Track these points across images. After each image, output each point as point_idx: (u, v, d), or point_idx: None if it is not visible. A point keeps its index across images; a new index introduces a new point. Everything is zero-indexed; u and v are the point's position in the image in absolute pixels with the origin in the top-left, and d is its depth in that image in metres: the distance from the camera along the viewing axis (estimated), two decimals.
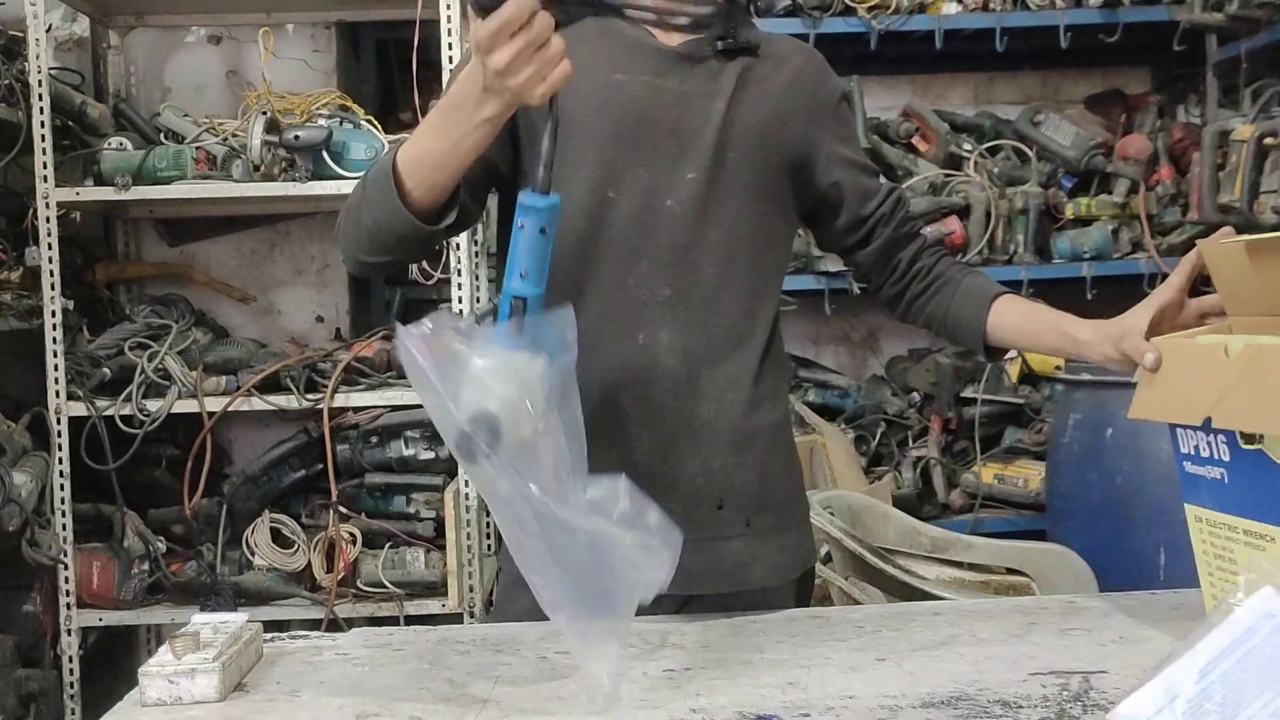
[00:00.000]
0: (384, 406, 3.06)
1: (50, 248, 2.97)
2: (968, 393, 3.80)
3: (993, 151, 3.95)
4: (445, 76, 2.91)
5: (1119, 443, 2.98)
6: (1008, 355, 3.45)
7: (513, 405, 1.07)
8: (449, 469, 3.08)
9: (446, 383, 1.08)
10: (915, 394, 3.90)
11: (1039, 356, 3.67)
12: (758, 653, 1.30)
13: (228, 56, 3.59)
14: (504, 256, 1.56)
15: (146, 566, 3.06)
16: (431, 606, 2.99)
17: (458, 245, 2.95)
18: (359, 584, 3.01)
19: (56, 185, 2.96)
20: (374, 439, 3.08)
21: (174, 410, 2.99)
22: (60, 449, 2.98)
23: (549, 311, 1.14)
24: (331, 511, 3.01)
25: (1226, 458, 1.26)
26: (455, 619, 2.93)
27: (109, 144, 3.08)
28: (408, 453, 3.07)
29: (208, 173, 3.06)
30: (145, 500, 3.18)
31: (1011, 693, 1.15)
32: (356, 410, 3.09)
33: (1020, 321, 1.56)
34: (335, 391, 2.99)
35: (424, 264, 3.22)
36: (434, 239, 1.36)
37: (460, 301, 2.97)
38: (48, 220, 2.96)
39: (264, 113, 3.01)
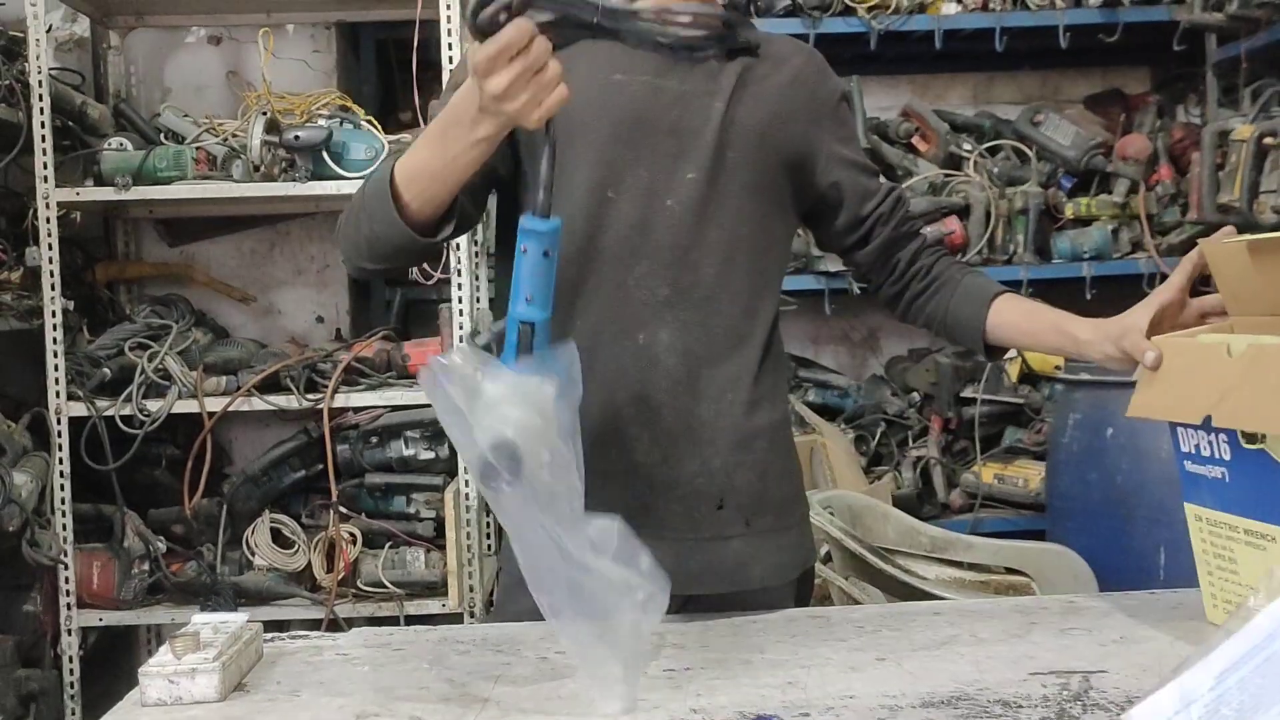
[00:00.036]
0: (384, 406, 3.06)
1: (50, 248, 2.97)
2: (968, 392, 3.80)
3: (992, 151, 3.95)
4: (445, 77, 2.91)
5: (1119, 442, 2.98)
6: (1007, 355, 3.44)
7: (529, 429, 1.08)
8: (449, 469, 3.08)
9: (463, 412, 1.08)
10: (915, 394, 3.90)
11: (1039, 356, 3.67)
12: (758, 653, 1.30)
13: (228, 57, 3.59)
14: (504, 256, 1.57)
15: (147, 566, 3.06)
16: (431, 606, 2.99)
17: (458, 246, 2.95)
18: (359, 584, 3.01)
19: (57, 185, 2.96)
20: (374, 439, 3.08)
21: (174, 410, 2.99)
22: (60, 449, 2.98)
23: (554, 347, 1.14)
24: (331, 511, 3.01)
25: (1227, 457, 1.26)
26: (455, 619, 2.93)
27: (109, 144, 3.08)
28: (408, 453, 3.07)
29: (208, 173, 3.07)
30: (145, 500, 3.18)
31: (1011, 692, 1.15)
32: (356, 410, 3.09)
33: (1020, 320, 1.56)
34: (335, 391, 2.99)
35: (424, 264, 3.21)
36: (433, 249, 1.36)
37: (460, 301, 2.98)
38: (48, 220, 2.96)
39: (264, 113, 3.01)
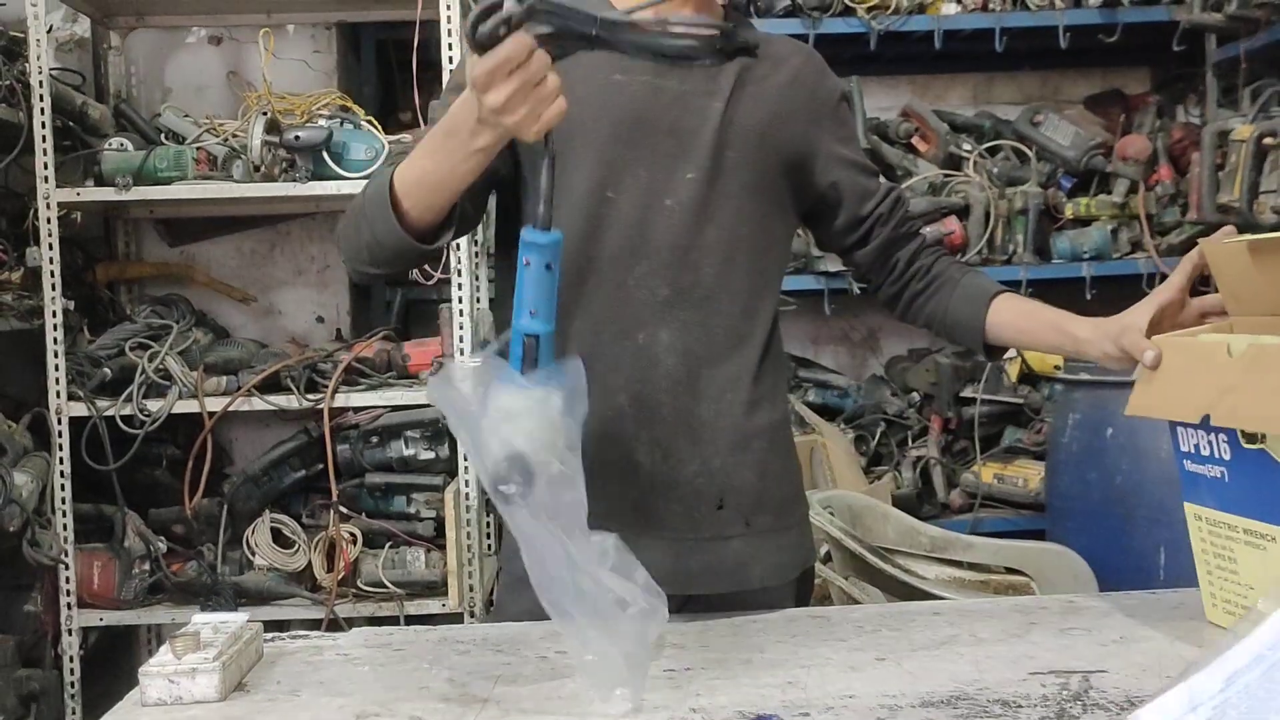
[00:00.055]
0: (384, 406, 3.06)
1: (51, 248, 2.97)
2: (967, 392, 3.80)
3: (992, 152, 3.95)
4: (445, 77, 2.91)
5: (1118, 442, 2.98)
6: (1007, 354, 3.44)
7: (539, 441, 1.08)
8: (449, 469, 3.08)
9: (474, 426, 1.09)
10: (915, 394, 3.90)
11: (1038, 356, 3.67)
12: (758, 652, 1.30)
13: (228, 57, 3.59)
14: (504, 256, 1.57)
15: (147, 566, 3.06)
16: (431, 606, 2.99)
17: (458, 246, 2.95)
18: (359, 584, 3.01)
19: (57, 186, 2.96)
20: (374, 439, 3.08)
21: (174, 410, 2.99)
22: (61, 449, 2.98)
23: (561, 361, 1.14)
24: (332, 511, 3.01)
25: (1227, 456, 1.26)
26: (455, 619, 2.93)
27: (109, 144, 3.08)
28: (408, 453, 3.07)
29: (208, 173, 3.07)
30: (146, 500, 3.18)
31: (1011, 692, 1.15)
32: (357, 410, 3.09)
33: (1019, 320, 1.57)
34: (335, 391, 2.99)
35: (424, 264, 3.21)
36: (434, 253, 1.36)
37: (460, 301, 2.98)
38: (48, 221, 2.96)
39: (264, 113, 3.01)
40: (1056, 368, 3.53)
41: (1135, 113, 4.01)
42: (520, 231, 1.16)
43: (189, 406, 2.99)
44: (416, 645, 1.36)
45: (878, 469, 3.80)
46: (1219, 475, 1.27)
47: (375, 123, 3.11)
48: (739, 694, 1.17)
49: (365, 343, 3.11)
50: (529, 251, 1.15)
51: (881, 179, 1.63)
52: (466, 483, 2.99)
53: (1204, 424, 1.26)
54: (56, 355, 2.97)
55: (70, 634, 2.99)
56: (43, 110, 2.94)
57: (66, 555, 2.98)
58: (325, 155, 2.99)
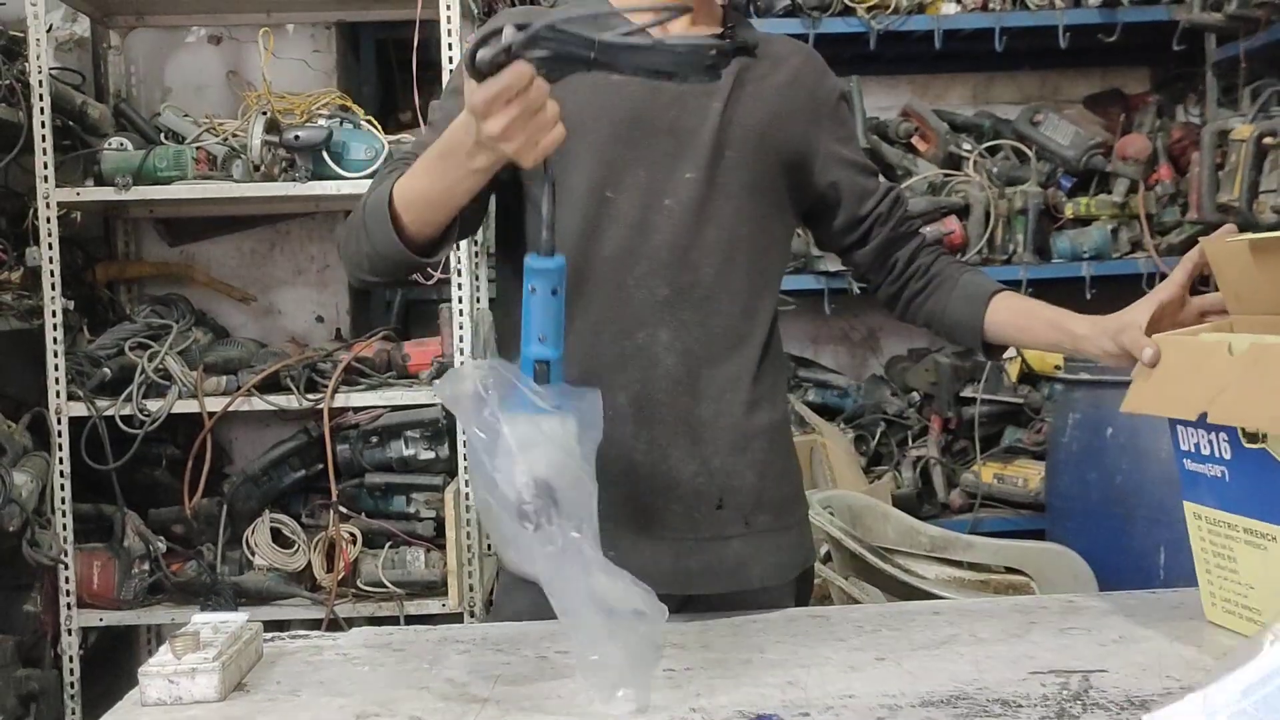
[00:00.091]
0: (384, 406, 3.06)
1: (51, 248, 2.97)
2: (967, 392, 3.80)
3: (992, 151, 3.95)
4: (445, 77, 2.91)
5: (1118, 442, 2.98)
6: (1007, 354, 3.43)
7: (559, 468, 1.10)
8: (449, 469, 3.08)
9: (490, 448, 1.10)
10: (915, 394, 3.90)
11: (1038, 355, 3.67)
12: (758, 652, 1.30)
13: (228, 56, 3.58)
14: (504, 256, 1.57)
15: (147, 566, 3.06)
16: (431, 606, 2.99)
17: (458, 246, 2.95)
18: (359, 584, 3.01)
19: (57, 185, 2.96)
20: (374, 439, 3.08)
21: (174, 410, 2.99)
22: (60, 449, 2.98)
23: (578, 389, 1.16)
24: (331, 511, 3.01)
25: (1228, 456, 1.26)
26: (455, 619, 2.93)
27: (109, 144, 3.08)
28: (408, 453, 3.07)
29: (208, 173, 3.06)
30: (145, 500, 3.18)
31: (1011, 692, 1.15)
32: (356, 410, 3.09)
33: (1018, 318, 1.57)
34: (335, 391, 2.99)
35: None
36: (434, 263, 1.37)
37: (460, 301, 2.97)
38: (48, 220, 2.96)
39: (264, 113, 3.01)
40: (1057, 367, 3.52)
41: (1135, 112, 4.01)
42: (525, 258, 1.16)
43: (189, 406, 2.99)
44: (416, 645, 1.36)
45: (878, 469, 3.80)
46: (1219, 474, 1.27)
47: (375, 122, 3.11)
48: (739, 694, 1.17)
49: (365, 342, 3.11)
50: (534, 278, 1.16)
51: (881, 179, 1.63)
52: (466, 483, 2.99)
53: (1205, 423, 1.26)
54: (56, 355, 2.97)
55: (70, 634, 2.99)
56: (42, 110, 2.94)
57: (66, 555, 2.98)
58: (325, 155, 2.99)
